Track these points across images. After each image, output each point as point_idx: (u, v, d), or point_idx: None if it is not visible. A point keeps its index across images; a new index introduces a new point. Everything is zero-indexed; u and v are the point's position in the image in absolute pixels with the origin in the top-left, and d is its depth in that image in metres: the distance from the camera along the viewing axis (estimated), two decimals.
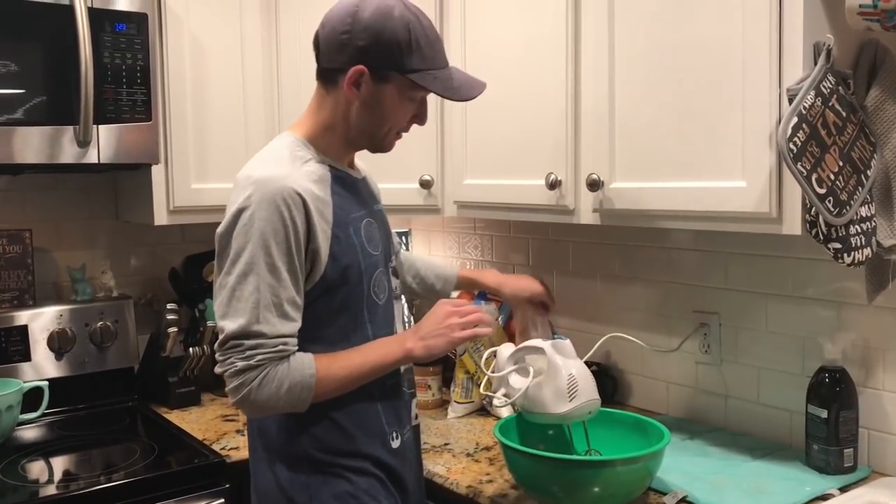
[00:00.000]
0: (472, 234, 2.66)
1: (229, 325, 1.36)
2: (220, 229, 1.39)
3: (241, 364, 1.36)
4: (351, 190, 1.51)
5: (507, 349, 1.71)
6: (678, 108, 1.61)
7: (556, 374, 1.56)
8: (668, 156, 1.64)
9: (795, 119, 1.36)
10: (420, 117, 1.52)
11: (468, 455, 1.84)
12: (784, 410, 1.84)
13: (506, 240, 2.54)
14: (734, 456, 1.77)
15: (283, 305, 1.37)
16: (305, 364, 1.38)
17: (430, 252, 2.82)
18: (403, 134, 1.54)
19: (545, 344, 1.60)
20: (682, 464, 1.72)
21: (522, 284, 1.84)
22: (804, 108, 1.37)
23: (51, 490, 1.78)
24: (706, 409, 2.01)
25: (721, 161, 1.54)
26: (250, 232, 1.35)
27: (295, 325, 1.39)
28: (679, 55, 1.60)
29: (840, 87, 1.44)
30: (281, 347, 1.37)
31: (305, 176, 1.41)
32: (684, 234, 2.01)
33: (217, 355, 1.38)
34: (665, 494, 1.57)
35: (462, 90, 1.47)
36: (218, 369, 1.38)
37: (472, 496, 1.64)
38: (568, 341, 1.61)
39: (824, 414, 1.64)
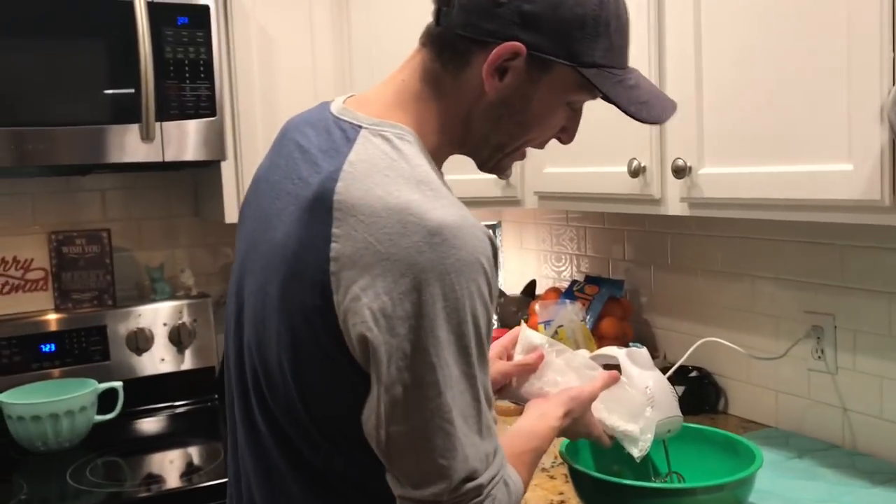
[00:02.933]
0: (564, 225, 2.49)
1: (458, 462, 0.91)
2: (389, 306, 0.88)
3: None
4: None
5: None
6: (772, 81, 1.39)
7: (631, 388, 1.38)
8: (762, 136, 1.42)
9: None
10: (569, 131, 1.09)
11: (543, 470, 1.69)
12: None
13: (600, 232, 2.35)
14: (849, 480, 1.53)
15: (493, 400, 0.98)
16: (515, 480, 1.01)
17: (521, 245, 2.67)
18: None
19: (619, 352, 1.43)
20: (784, 488, 1.50)
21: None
22: None
23: (127, 491, 1.76)
24: (820, 423, 1.76)
25: (823, 141, 1.32)
26: (458, 310, 0.90)
27: None
28: (773, 19, 1.38)
29: None
30: (505, 462, 0.99)
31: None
32: (794, 223, 1.76)
33: None
34: None
35: (651, 108, 1.03)
36: None
37: None
38: (644, 350, 1.42)
39: None
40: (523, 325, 1.39)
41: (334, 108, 1.04)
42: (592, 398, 1.26)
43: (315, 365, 0.95)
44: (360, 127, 0.99)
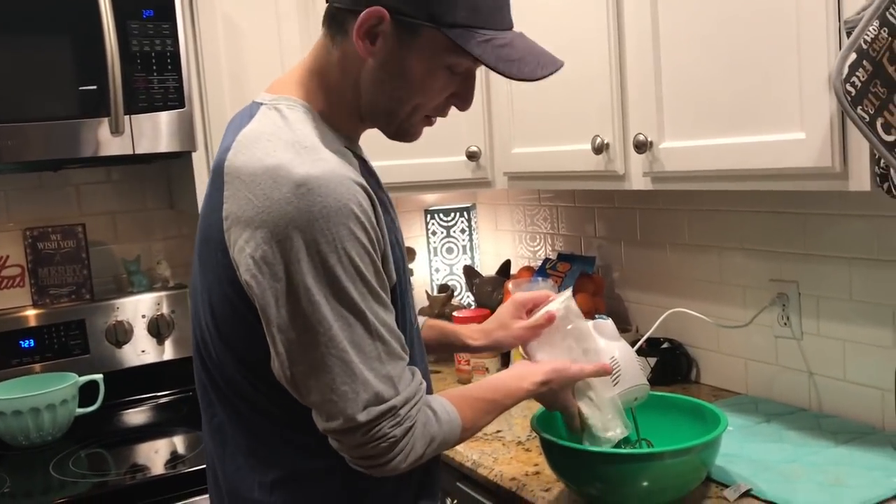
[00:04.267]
0: (537, 205, 2.51)
1: (359, 385, 0.99)
2: (269, 254, 0.97)
3: (398, 431, 1.02)
4: (377, 184, 1.16)
5: None
6: (727, 54, 1.42)
7: (597, 359, 1.41)
8: (719, 108, 1.45)
9: (854, 56, 1.16)
10: (461, 97, 1.12)
11: (519, 444, 1.72)
12: (874, 389, 1.63)
13: (572, 210, 2.38)
14: (814, 441, 1.58)
15: (396, 331, 1.05)
16: (449, 410, 1.09)
17: (496, 227, 2.70)
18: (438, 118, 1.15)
19: (586, 325, 1.46)
20: (752, 451, 1.54)
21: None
22: (865, 41, 1.17)
23: (111, 480, 1.78)
24: (788, 387, 1.81)
25: (777, 111, 1.35)
26: (331, 252, 0.98)
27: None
28: None
29: None
30: (423, 388, 1.08)
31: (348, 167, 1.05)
32: (758, 194, 1.80)
33: (349, 435, 1.01)
34: (727, 487, 1.41)
35: (524, 65, 1.05)
36: (354, 453, 1.03)
37: (514, 489, 1.52)
38: (610, 321, 1.45)
39: None
40: (568, 292, 1.40)
41: (256, 97, 1.14)
42: (577, 378, 1.32)
43: (229, 319, 1.05)
44: (262, 104, 1.10)
